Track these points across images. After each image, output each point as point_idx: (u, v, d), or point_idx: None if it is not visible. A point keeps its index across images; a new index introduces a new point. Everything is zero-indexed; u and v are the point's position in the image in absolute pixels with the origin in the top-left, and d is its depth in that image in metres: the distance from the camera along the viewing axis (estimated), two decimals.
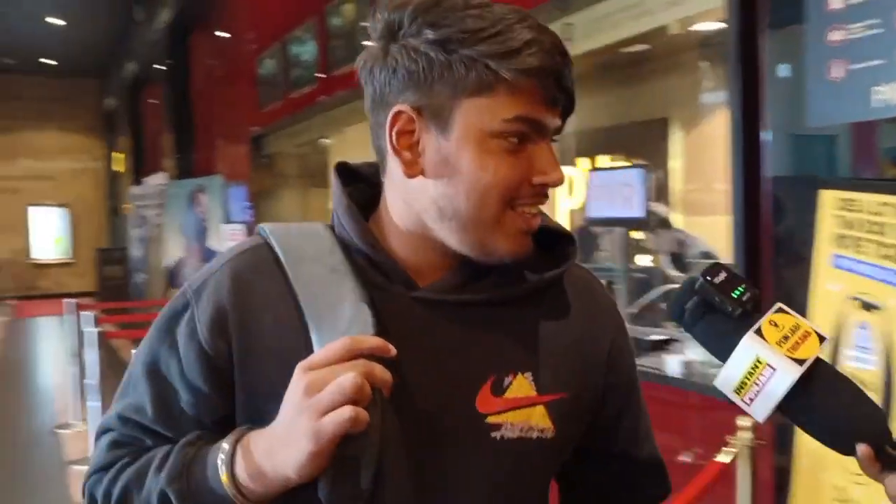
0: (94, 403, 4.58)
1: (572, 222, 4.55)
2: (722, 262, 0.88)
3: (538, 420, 0.85)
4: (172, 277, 9.21)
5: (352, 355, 0.74)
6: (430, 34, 0.78)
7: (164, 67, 10.51)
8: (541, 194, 0.84)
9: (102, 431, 0.91)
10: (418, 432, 0.82)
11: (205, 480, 0.79)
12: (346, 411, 0.71)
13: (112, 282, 12.99)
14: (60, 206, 16.84)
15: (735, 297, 0.78)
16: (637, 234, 3.50)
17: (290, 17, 6.49)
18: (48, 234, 16.78)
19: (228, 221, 8.27)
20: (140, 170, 13.97)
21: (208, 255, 8.59)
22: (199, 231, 8.78)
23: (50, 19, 12.12)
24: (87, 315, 5.02)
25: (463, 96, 0.79)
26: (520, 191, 0.81)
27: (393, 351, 0.76)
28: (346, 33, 5.40)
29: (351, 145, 6.65)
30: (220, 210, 8.38)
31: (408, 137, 0.82)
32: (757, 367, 0.74)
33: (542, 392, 0.86)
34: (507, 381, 0.85)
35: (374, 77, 0.83)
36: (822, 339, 0.76)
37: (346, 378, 0.72)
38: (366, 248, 0.85)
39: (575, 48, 3.71)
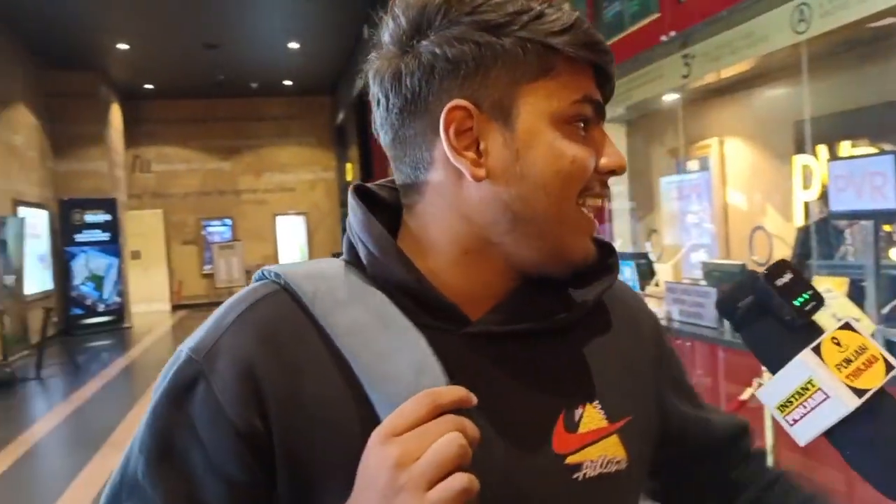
0: None
1: (808, 216, 4.22)
2: (789, 261, 0.76)
3: (614, 451, 0.76)
4: None
5: (438, 412, 0.62)
6: (471, 19, 0.70)
7: None
8: (605, 185, 0.75)
9: None
10: (500, 488, 0.69)
11: None
12: (460, 480, 0.59)
13: None
14: (300, 214, 18.39)
15: (797, 304, 0.68)
16: (890, 228, 3.17)
17: None
18: (291, 240, 18.39)
19: None
20: (368, 178, 14.89)
21: None
22: None
23: (290, 45, 13.28)
24: None
25: (524, 81, 0.70)
26: (590, 180, 0.73)
27: (474, 400, 0.64)
28: None
29: None
30: None
31: (466, 137, 0.71)
32: (808, 388, 0.65)
33: (612, 420, 0.77)
34: (577, 414, 0.75)
35: (400, 84, 0.72)
36: (890, 367, 0.66)
37: (449, 441, 0.60)
38: (412, 283, 0.72)
39: (814, 28, 3.44)
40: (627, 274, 4.93)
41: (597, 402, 0.76)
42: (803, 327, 0.68)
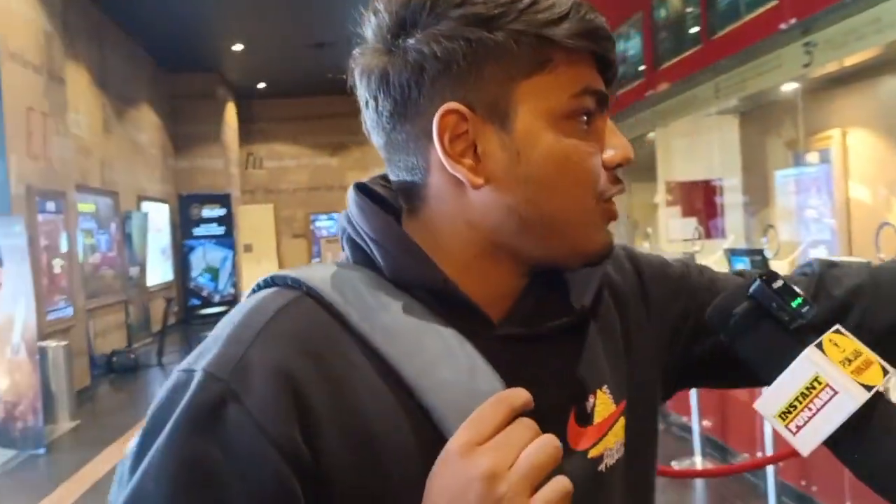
0: None
1: None
2: (775, 270, 0.74)
3: (623, 433, 0.75)
4: None
5: (513, 416, 0.59)
6: (460, 13, 0.64)
7: None
8: (617, 177, 0.69)
9: None
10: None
11: None
12: (563, 483, 0.57)
13: None
14: None
15: (794, 306, 0.67)
16: None
17: (613, 14, 6.52)
18: None
19: None
20: None
21: None
22: None
23: None
24: None
25: (520, 78, 0.65)
26: (602, 177, 0.68)
27: (532, 402, 0.61)
28: (674, 24, 5.29)
29: (675, 137, 6.49)
30: None
31: (461, 142, 0.66)
32: (813, 388, 0.63)
33: (617, 402, 0.74)
34: (589, 404, 0.72)
35: (388, 86, 0.67)
36: (885, 371, 0.65)
37: (543, 444, 0.58)
38: (439, 285, 0.67)
39: None
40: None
41: (605, 385, 0.74)
42: (800, 330, 0.67)
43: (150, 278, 11.40)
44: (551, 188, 0.66)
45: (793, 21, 4.66)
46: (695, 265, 0.89)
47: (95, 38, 10.35)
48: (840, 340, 0.66)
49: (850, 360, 0.65)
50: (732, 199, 6.23)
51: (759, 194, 6.19)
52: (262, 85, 16.60)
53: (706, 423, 4.73)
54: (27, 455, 5.71)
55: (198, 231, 14.05)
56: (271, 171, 17.94)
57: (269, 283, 0.70)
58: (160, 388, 0.64)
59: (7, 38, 6.49)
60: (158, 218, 12.72)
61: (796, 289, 0.68)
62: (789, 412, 0.64)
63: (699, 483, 4.45)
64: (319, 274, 0.68)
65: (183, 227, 14.00)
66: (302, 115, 17.80)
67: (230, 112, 15.98)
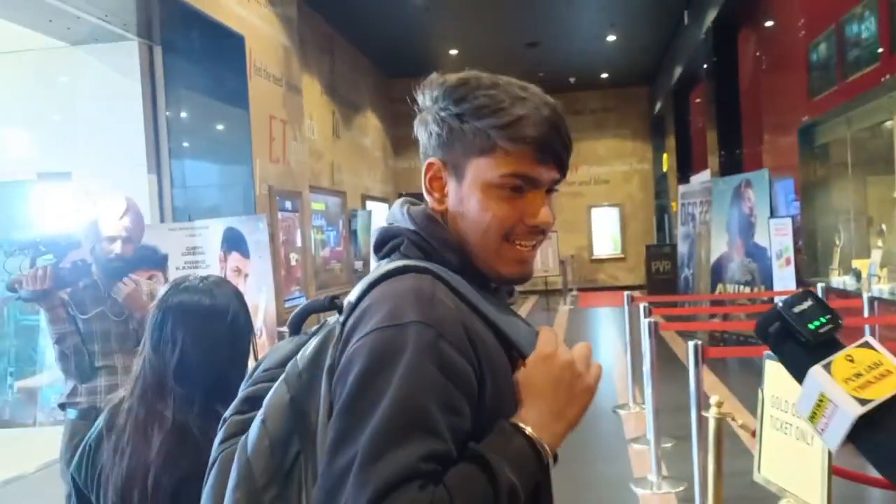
0: (649, 389, 4.96)
1: None
2: (811, 290, 0.90)
3: None
4: (716, 273, 9.35)
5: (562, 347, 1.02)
6: (453, 108, 1.04)
7: (709, 66, 10.72)
8: (534, 233, 1.06)
9: (401, 482, 0.82)
10: None
11: (527, 458, 0.94)
12: (598, 365, 1.03)
13: (659, 276, 13.71)
14: (613, 206, 18.41)
15: (812, 328, 0.81)
16: None
17: None
18: (604, 232, 18.51)
19: (774, 216, 8.07)
20: (686, 168, 14.46)
21: (753, 249, 8.51)
22: (745, 226, 8.74)
23: (608, 37, 13.37)
24: (640, 307, 5.48)
25: (472, 156, 1.04)
26: (515, 229, 1.04)
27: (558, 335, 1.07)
28: None
29: None
30: (766, 205, 8.23)
31: (439, 182, 1.07)
32: (822, 401, 0.76)
33: None
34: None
35: (421, 136, 1.09)
36: None
37: (584, 348, 1.03)
38: (488, 281, 1.08)
39: None
40: None
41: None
42: (819, 347, 0.80)
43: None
44: (474, 227, 1.05)
45: None
46: None
47: (326, 50, 11.24)
48: (860, 354, 0.78)
49: (859, 375, 0.76)
50: None
51: None
52: None
53: None
54: None
55: None
56: None
57: (403, 269, 1.00)
58: (357, 354, 0.92)
59: (253, 52, 7.27)
60: (381, 216, 13.57)
61: (827, 306, 0.84)
62: (815, 416, 0.78)
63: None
64: (430, 266, 1.01)
65: None
66: None
67: None
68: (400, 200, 1.13)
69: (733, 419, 2.59)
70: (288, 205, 7.99)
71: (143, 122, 6.43)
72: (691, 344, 3.66)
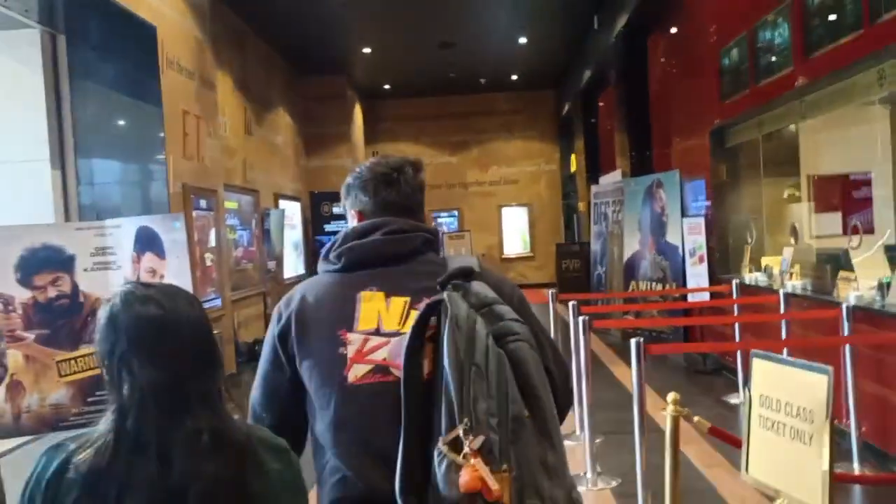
0: (584, 386, 4.98)
1: None
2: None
3: None
4: (629, 271, 9.61)
5: None
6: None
7: (619, 70, 11.00)
8: None
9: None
10: None
11: None
12: None
13: (570, 274, 13.99)
14: (522, 206, 18.69)
15: None
16: None
17: (758, 3, 6.31)
18: (515, 230, 18.77)
19: (686, 215, 8.36)
20: (595, 169, 14.80)
21: (664, 247, 8.79)
22: (657, 225, 9.01)
23: (520, 39, 13.52)
24: (570, 305, 5.54)
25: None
26: None
27: None
28: (828, 10, 5.07)
29: (826, 130, 6.21)
30: (678, 204, 8.51)
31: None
32: None
33: None
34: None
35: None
36: None
37: None
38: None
39: None
40: None
41: None
42: None
43: (285, 271, 11.92)
44: None
45: None
46: None
47: (237, 45, 10.90)
48: None
49: None
50: (883, 193, 5.91)
51: None
52: (387, 86, 17.01)
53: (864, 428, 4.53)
54: None
55: (328, 227, 14.56)
56: None
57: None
58: (516, 291, 1.65)
59: (165, 44, 6.95)
60: (293, 215, 13.27)
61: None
62: None
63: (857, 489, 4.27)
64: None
65: (314, 224, 14.54)
66: (425, 114, 18.11)
67: (357, 113, 16.45)
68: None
69: (688, 417, 2.62)
70: (203, 203, 7.70)
71: (46, 116, 6.04)
72: (633, 341, 3.72)
